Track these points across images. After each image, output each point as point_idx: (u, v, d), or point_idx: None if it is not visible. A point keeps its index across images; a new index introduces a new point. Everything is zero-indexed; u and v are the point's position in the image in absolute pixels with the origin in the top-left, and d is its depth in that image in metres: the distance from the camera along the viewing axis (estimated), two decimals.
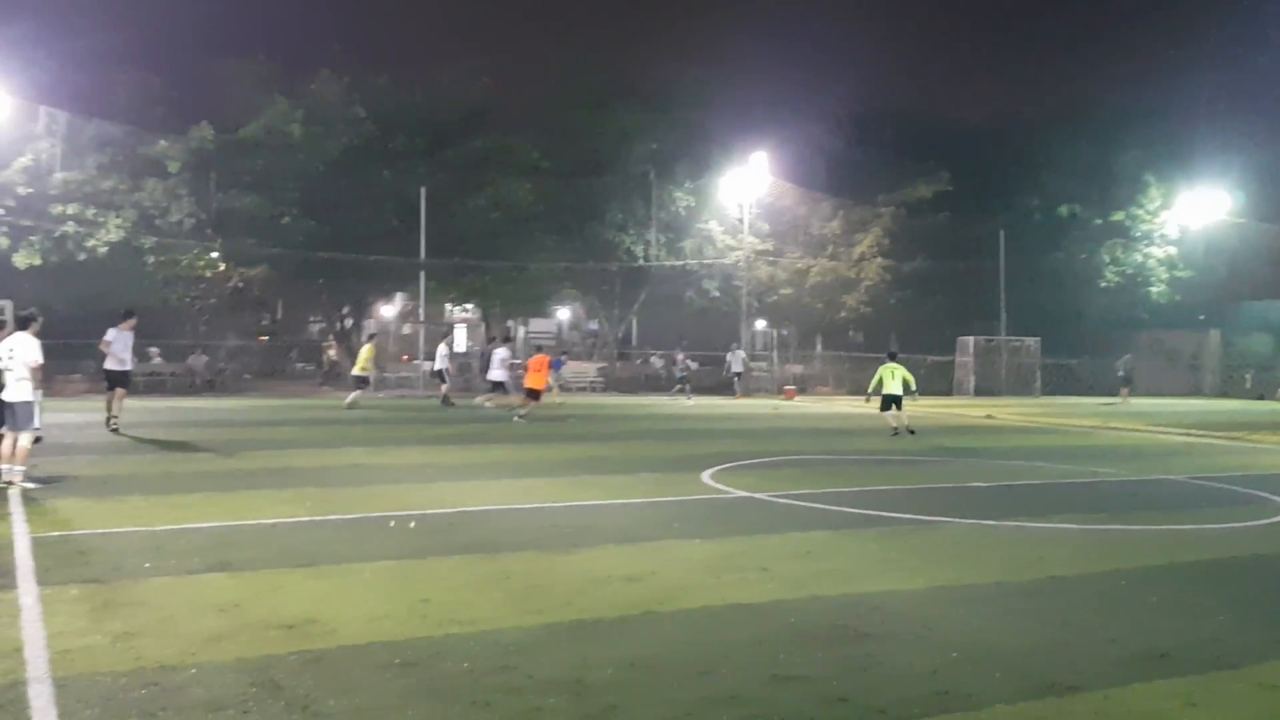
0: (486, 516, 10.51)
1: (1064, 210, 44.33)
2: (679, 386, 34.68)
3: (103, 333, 18.90)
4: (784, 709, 5.16)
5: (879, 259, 43.31)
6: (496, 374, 27.77)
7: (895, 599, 7.43)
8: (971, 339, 42.11)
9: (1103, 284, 44.12)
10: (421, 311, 40.84)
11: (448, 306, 48.31)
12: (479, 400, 28.42)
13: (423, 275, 38.18)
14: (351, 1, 72.27)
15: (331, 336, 42.28)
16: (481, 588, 7.43)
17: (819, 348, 46.49)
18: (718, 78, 44.72)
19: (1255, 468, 16.65)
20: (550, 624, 6.55)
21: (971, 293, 43.56)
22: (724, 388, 38.31)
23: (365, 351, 27.60)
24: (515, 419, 22.79)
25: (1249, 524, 11.07)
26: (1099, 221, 44.04)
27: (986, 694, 5.47)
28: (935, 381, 40.80)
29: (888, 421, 21.38)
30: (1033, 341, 42.89)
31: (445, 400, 28.25)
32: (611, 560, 8.44)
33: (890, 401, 21.33)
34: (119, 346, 18.42)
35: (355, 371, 27.76)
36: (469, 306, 47.57)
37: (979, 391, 40.37)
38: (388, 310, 49.24)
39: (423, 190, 36.63)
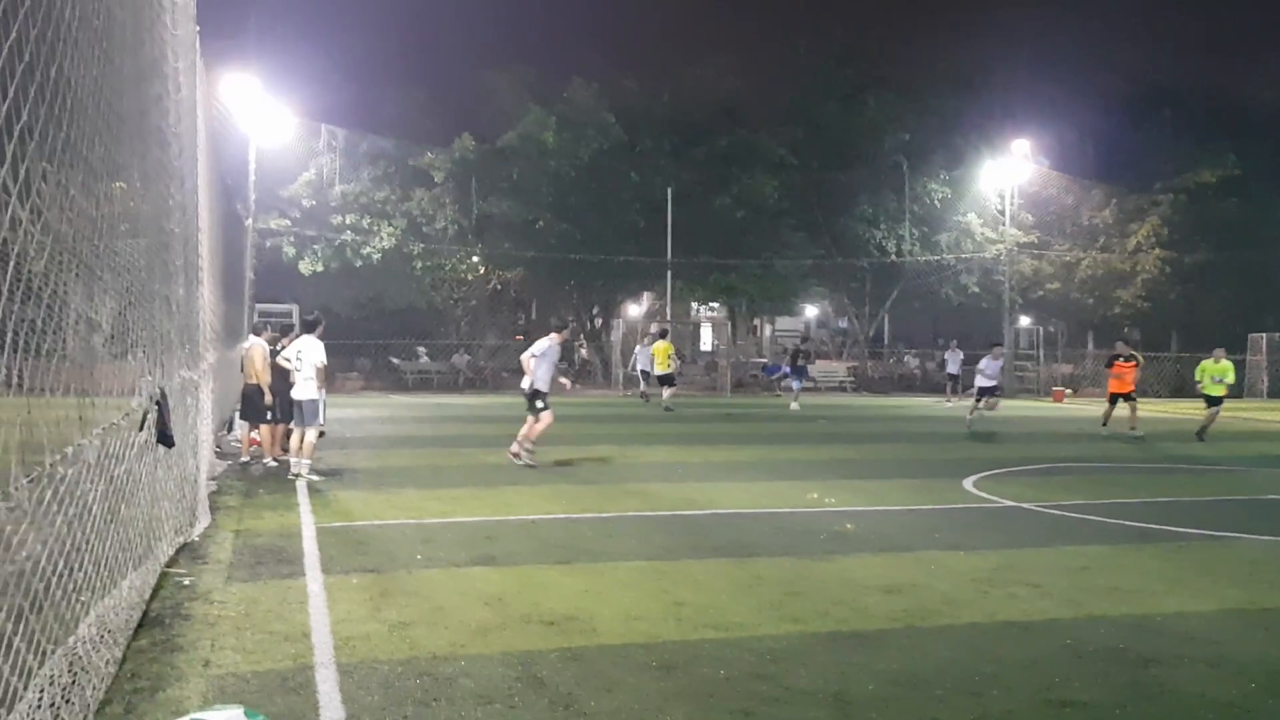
0: (738, 519, 10.43)
1: None
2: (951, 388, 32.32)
3: (377, 333, 20.00)
4: None
5: (1156, 250, 40.20)
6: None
7: (1183, 621, 6.81)
8: (1265, 336, 38.46)
9: None
10: (668, 310, 41.38)
11: (694, 305, 48.75)
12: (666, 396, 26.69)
13: (669, 274, 38.68)
14: (604, 7, 74.25)
15: (583, 335, 43.56)
16: (735, 592, 7.34)
17: (1090, 346, 43.75)
18: (975, 61, 42.63)
19: None
20: (807, 633, 6.38)
21: (1263, 286, 39.74)
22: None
23: (662, 348, 26.63)
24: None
25: None
26: None
27: None
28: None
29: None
30: None
31: (644, 397, 28.20)
32: (870, 570, 8.15)
33: (1211, 402, 20.11)
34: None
35: (659, 371, 26.64)
36: (715, 305, 47.80)
37: (1274, 394, 36.84)
38: (635, 309, 50.23)
39: (669, 190, 37.10)
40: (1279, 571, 8.42)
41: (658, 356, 26.67)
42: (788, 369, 29.63)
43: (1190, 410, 29.38)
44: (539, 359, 13.98)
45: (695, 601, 7.04)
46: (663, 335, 27.67)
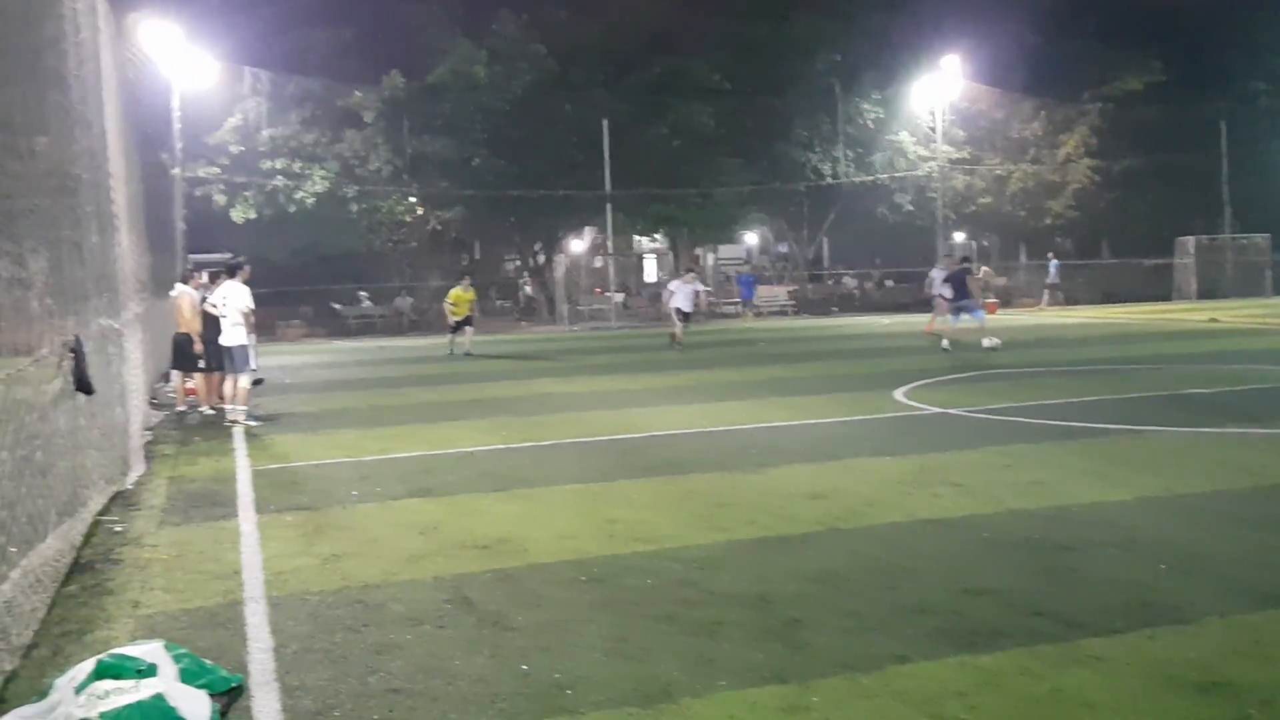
0: (674, 440, 10.59)
1: None
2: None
3: (317, 280, 19.86)
4: (974, 621, 4.99)
5: (1086, 160, 40.69)
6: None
7: (1099, 511, 7.08)
8: (1191, 239, 39.22)
9: None
10: (609, 244, 41.29)
11: (635, 238, 48.64)
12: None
13: (609, 208, 38.52)
14: None
15: (526, 273, 43.33)
16: (666, 508, 7.50)
17: (1023, 258, 44.37)
18: None
19: None
20: (733, 541, 6.55)
21: (1190, 190, 40.45)
22: (922, 305, 37.25)
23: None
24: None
25: None
26: None
27: (1196, 606, 5.13)
28: (1154, 286, 38.48)
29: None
30: (1261, 238, 39.59)
31: (676, 340, 23.66)
32: (798, 479, 8.35)
33: None
34: None
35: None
36: (657, 237, 47.75)
37: (1202, 295, 37.69)
38: (578, 244, 50.03)
39: (604, 122, 36.80)
40: (1194, 461, 8.72)
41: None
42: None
43: (1120, 313, 30.04)
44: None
45: (627, 519, 7.19)
46: (689, 272, 26.67)
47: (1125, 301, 35.76)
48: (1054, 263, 37.49)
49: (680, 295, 23.73)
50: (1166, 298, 37.67)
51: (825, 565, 5.97)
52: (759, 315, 37.79)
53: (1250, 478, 7.94)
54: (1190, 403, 12.16)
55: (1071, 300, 36.41)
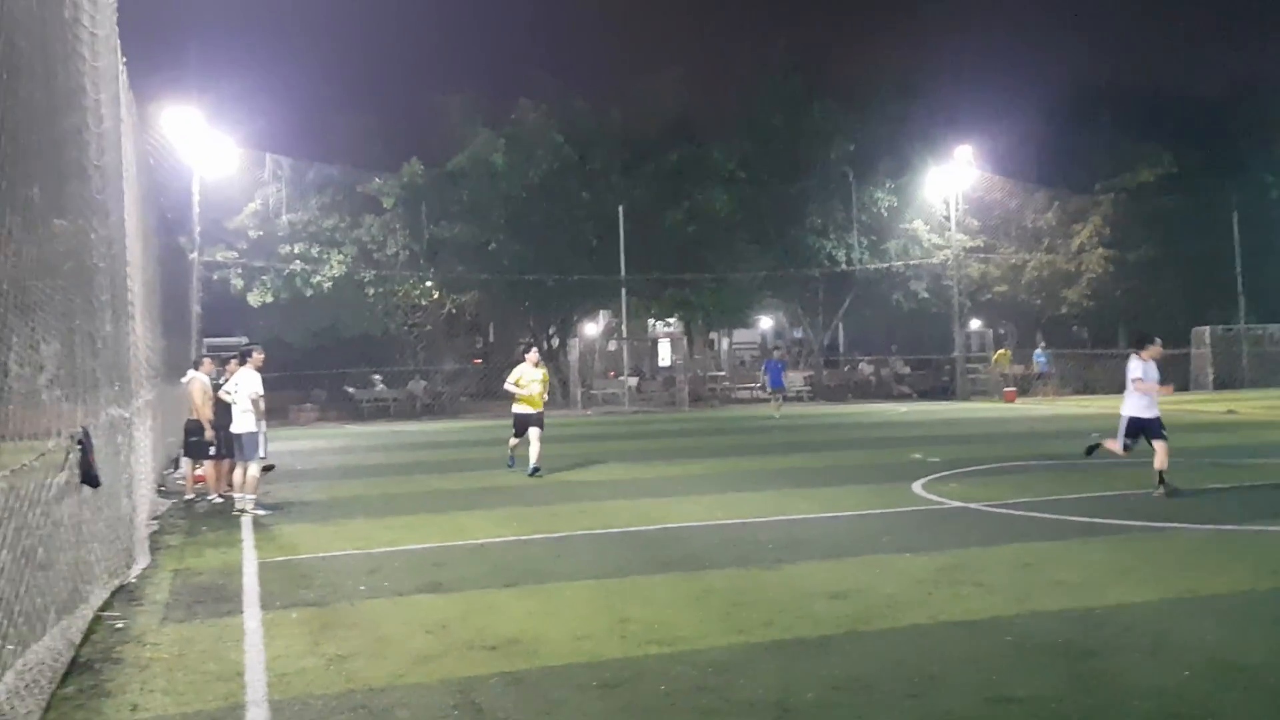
0: (690, 533, 10.40)
1: None
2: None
3: (331, 362, 19.87)
4: None
5: (1100, 249, 40.84)
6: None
7: (1124, 613, 6.85)
8: (1207, 329, 39.09)
9: None
10: (624, 328, 41.39)
11: (650, 321, 48.79)
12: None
13: (624, 291, 38.70)
14: (552, 26, 74.34)
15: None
16: (683, 606, 7.30)
17: (1040, 346, 44.29)
18: (918, 67, 43.11)
19: None
20: (751, 643, 6.35)
21: (1205, 280, 40.50)
22: (940, 392, 37.20)
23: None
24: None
25: None
26: None
27: (1225, 713, 4.92)
28: (1170, 376, 38.13)
29: None
30: (1277, 328, 39.44)
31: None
32: (817, 576, 8.15)
33: None
34: None
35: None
36: (671, 321, 47.88)
37: (1219, 385, 37.42)
38: (592, 328, 50.19)
39: (620, 207, 37.17)
40: (1218, 559, 8.50)
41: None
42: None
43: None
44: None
45: (642, 618, 6.99)
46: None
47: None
48: (1040, 353, 37.91)
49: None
50: (1185, 388, 37.40)
51: (847, 671, 5.76)
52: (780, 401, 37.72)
53: (1276, 577, 7.71)
54: (1211, 498, 11.92)
55: (1091, 390, 36.15)
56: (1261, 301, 39.90)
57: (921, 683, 5.54)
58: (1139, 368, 12.11)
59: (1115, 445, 12.45)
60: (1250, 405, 27.58)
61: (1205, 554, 8.74)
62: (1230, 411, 25.94)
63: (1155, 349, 12.26)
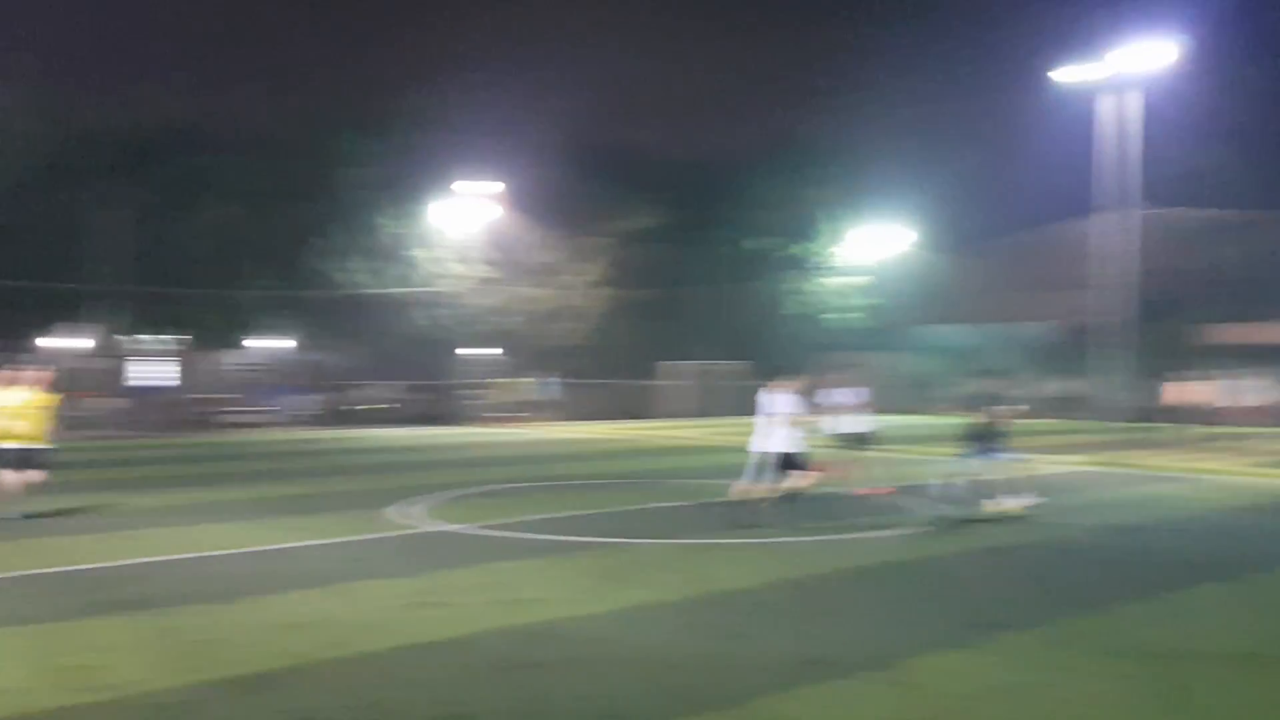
0: (150, 569, 9.69)
1: (750, 244, 47.58)
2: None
3: None
4: None
5: (600, 288, 44.54)
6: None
7: (576, 625, 7.52)
8: (673, 364, 44.16)
9: (787, 312, 47.59)
10: (117, 342, 37.86)
11: (141, 336, 45.12)
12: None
13: (122, 304, 35.51)
14: (47, 12, 65.85)
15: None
16: (133, 649, 6.87)
17: (545, 375, 46.95)
18: (439, 102, 44.33)
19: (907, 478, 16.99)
20: (202, 683, 6.15)
21: (690, 321, 45.72)
22: (434, 417, 38.13)
23: None
24: None
25: (890, 534, 11.98)
26: (780, 254, 47.59)
27: (646, 713, 5.63)
28: (640, 405, 42.18)
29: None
30: (731, 365, 44.86)
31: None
32: (278, 609, 8.04)
33: None
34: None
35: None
36: (165, 336, 44.64)
37: (675, 414, 41.93)
38: (81, 343, 45.31)
39: (110, 215, 34.17)
40: (675, 571, 9.55)
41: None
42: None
43: (629, 430, 32.46)
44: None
45: (87, 664, 6.49)
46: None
47: (614, 419, 38.80)
48: (544, 381, 40.12)
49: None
50: (652, 415, 41.74)
51: (296, 703, 5.77)
52: (288, 425, 36.51)
53: (699, 585, 8.86)
54: (673, 515, 13.38)
55: (592, 416, 38.85)
56: (741, 343, 45.59)
57: (366, 710, 5.71)
58: (789, 401, 12.22)
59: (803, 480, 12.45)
60: (698, 432, 31.13)
61: (662, 566, 9.78)
62: (681, 437, 29.08)
63: (798, 382, 12.55)
